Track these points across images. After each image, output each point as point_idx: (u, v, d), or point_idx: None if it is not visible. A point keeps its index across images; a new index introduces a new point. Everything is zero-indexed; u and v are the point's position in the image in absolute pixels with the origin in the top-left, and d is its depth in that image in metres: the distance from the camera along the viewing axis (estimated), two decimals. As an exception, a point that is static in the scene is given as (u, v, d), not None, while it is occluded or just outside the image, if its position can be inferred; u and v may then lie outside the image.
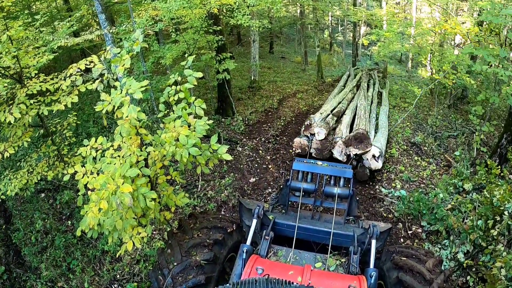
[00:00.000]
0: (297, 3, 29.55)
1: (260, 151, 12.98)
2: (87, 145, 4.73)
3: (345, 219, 7.27)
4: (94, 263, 8.66)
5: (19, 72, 6.51)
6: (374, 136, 12.48)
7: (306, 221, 7.04)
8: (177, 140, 4.08)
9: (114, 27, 10.85)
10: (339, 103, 15.41)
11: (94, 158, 4.66)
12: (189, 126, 4.29)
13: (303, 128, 11.99)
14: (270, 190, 10.60)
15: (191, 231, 6.02)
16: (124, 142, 4.37)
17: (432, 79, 16.39)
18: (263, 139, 13.96)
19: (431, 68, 21.88)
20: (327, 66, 31.62)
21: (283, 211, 7.64)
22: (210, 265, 5.63)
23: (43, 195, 11.11)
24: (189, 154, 4.05)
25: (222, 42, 13.84)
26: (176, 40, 13.53)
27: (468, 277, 7.36)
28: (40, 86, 6.07)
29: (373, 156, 10.71)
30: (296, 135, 14.49)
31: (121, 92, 3.94)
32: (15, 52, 6.22)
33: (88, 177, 4.40)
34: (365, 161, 10.85)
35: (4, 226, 8.70)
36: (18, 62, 6.35)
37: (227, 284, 3.85)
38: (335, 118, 13.47)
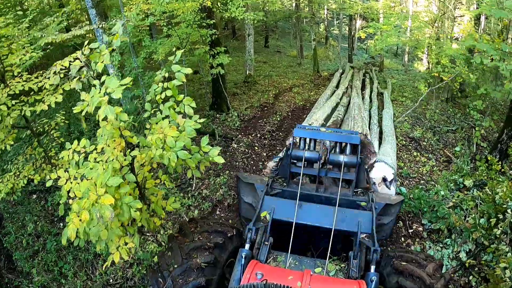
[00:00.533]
0: (292, -4, 29.29)
1: (256, 148, 12.72)
2: (69, 149, 4.45)
3: (353, 191, 6.80)
4: (87, 267, 8.47)
5: (1, 72, 6.22)
6: (379, 147, 10.20)
7: (306, 210, 6.39)
8: (165, 142, 3.82)
9: (104, 22, 10.53)
10: (333, 109, 13.26)
11: (77, 163, 4.38)
12: (177, 126, 4.02)
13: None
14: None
15: (192, 235, 5.89)
16: (108, 145, 4.09)
17: (430, 73, 16.19)
18: (259, 135, 13.71)
19: (428, 62, 21.69)
20: (323, 59, 31.41)
21: (284, 184, 7.10)
22: (211, 268, 5.52)
23: (34, 196, 10.89)
24: (177, 157, 3.80)
25: (216, 36, 13.55)
26: (168, 35, 13.25)
27: (471, 277, 7.18)
28: (22, 85, 5.79)
29: (384, 179, 7.98)
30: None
31: (99, 91, 3.65)
32: (-5, 50, 5.95)
33: (71, 182, 4.14)
34: (371, 187, 7.75)
35: (-5, 230, 8.50)
36: (0, 61, 6.06)
37: None
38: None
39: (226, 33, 34.71)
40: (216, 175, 10.74)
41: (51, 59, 19.46)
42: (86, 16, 16.49)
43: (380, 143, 10.90)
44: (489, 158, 9.83)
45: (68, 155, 4.37)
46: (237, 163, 11.52)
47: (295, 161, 7.07)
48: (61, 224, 9.72)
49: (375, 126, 12.29)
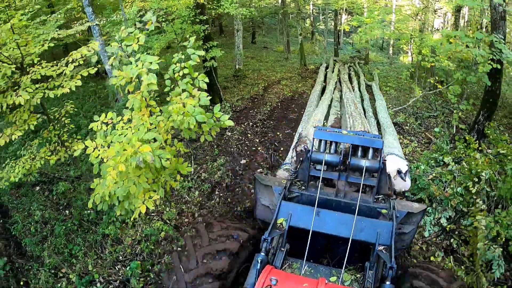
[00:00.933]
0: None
1: (249, 135, 13.38)
2: (98, 120, 5.09)
3: (373, 198, 6.55)
4: (96, 247, 8.75)
5: (20, 60, 6.77)
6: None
7: (324, 217, 6.13)
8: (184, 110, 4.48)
9: (104, 18, 11.08)
10: (329, 106, 13.20)
11: (105, 132, 5.02)
12: (193, 97, 4.72)
13: (293, 153, 8.10)
14: (261, 170, 10.97)
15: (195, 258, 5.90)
16: (133, 116, 4.74)
17: (413, 65, 16.98)
18: (251, 123, 14.38)
19: (411, 54, 22.52)
20: (309, 54, 32.13)
21: (303, 187, 6.93)
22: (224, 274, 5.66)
23: (38, 188, 11.16)
24: (196, 121, 4.45)
25: (208, 31, 14.15)
26: (163, 31, 13.78)
27: (452, 240, 7.92)
28: (45, 71, 6.35)
29: (398, 171, 7.69)
30: (283, 119, 14.91)
31: (136, 66, 4.30)
32: (17, 40, 6.47)
33: (99, 150, 4.75)
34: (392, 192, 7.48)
35: (1, 221, 8.80)
36: (19, 50, 6.61)
37: None
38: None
39: (213, 30, 35.21)
40: (213, 160, 11.37)
41: (43, 58, 19.74)
42: (84, 13, 16.92)
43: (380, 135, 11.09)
44: (467, 138, 10.58)
45: (97, 126, 5.00)
46: (231, 149, 12.16)
47: (314, 164, 6.87)
48: (67, 211, 10.06)
49: (371, 118, 12.44)
